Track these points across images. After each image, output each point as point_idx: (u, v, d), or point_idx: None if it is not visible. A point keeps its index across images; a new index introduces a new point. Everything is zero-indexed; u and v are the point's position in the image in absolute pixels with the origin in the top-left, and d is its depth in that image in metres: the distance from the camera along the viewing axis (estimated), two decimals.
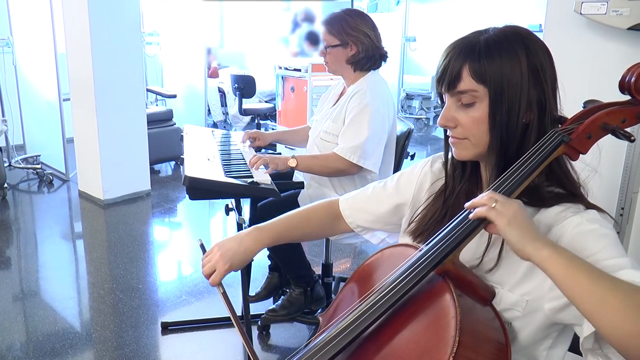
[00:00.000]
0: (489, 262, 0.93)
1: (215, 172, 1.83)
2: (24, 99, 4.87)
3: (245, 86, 5.75)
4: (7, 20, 4.74)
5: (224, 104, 7.14)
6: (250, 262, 1.24)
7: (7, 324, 2.44)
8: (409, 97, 7.67)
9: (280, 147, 2.54)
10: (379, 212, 1.17)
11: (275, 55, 7.02)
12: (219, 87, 7.08)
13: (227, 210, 2.05)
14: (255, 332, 2.39)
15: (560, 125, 0.92)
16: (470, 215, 0.83)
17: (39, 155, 4.89)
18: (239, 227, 1.99)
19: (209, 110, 6.74)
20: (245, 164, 2.00)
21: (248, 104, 6.28)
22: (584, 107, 0.93)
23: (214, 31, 7.74)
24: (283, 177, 2.12)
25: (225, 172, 1.87)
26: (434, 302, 0.84)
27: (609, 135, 0.90)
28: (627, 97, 0.90)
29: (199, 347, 2.34)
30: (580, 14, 1.81)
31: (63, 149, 4.49)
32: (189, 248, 3.53)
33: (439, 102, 0.98)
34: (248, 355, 1.01)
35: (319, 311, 2.34)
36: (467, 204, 0.85)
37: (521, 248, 0.78)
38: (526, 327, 0.91)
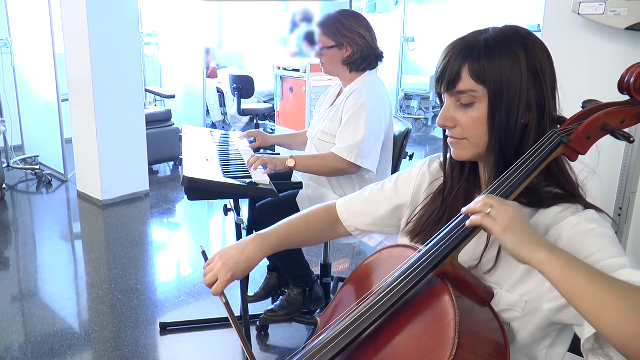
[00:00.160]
0: (488, 263, 0.92)
1: (213, 173, 1.83)
2: (23, 99, 4.87)
3: (244, 86, 5.75)
4: (6, 20, 4.73)
5: (222, 104, 7.13)
6: None
7: (6, 325, 2.43)
8: (407, 97, 7.68)
9: (279, 147, 2.54)
10: (377, 214, 1.17)
11: (273, 55, 7.01)
12: (217, 88, 7.07)
13: (226, 210, 2.05)
14: (254, 332, 2.39)
15: (559, 126, 0.91)
16: (466, 223, 0.83)
17: (38, 156, 4.87)
18: (238, 227, 1.99)
19: (207, 110, 6.74)
20: (244, 164, 2.00)
21: (247, 104, 6.28)
22: (582, 108, 0.93)
23: (212, 31, 7.74)
24: (281, 178, 2.12)
25: (224, 172, 1.86)
26: (432, 304, 0.84)
27: (608, 135, 0.90)
28: (626, 97, 0.90)
29: (197, 347, 2.34)
30: (578, 14, 1.81)
31: (62, 149, 4.48)
32: (187, 248, 3.52)
33: (438, 102, 0.98)
34: (246, 356, 1.00)
35: (317, 311, 2.34)
36: (463, 210, 0.84)
37: (518, 253, 0.77)
38: (525, 328, 0.91)
